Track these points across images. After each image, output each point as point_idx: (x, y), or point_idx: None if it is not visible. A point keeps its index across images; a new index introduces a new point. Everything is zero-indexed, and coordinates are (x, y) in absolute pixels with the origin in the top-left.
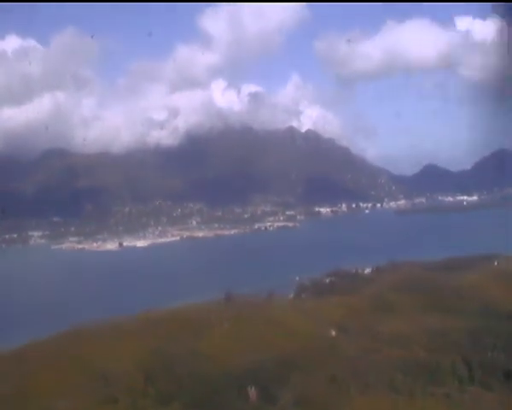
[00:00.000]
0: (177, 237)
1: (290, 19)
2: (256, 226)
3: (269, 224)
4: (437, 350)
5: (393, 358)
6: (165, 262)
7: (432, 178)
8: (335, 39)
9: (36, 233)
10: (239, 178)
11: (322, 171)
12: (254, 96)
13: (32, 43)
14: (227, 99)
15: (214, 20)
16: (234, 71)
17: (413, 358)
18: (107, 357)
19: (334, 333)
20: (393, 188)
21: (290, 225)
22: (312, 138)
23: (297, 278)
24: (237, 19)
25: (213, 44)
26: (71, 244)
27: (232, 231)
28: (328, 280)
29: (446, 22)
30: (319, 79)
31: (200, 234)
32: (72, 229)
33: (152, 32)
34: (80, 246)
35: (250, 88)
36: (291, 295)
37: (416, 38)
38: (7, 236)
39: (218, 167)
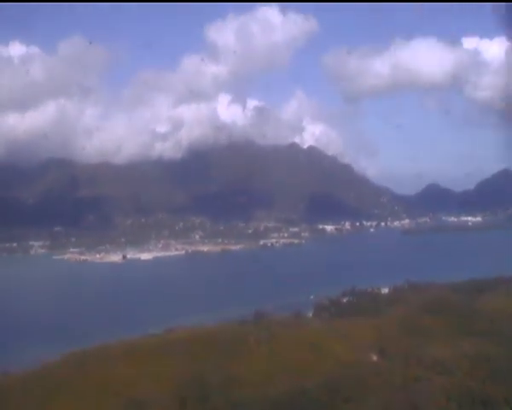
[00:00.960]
0: (182, 251)
1: (299, 32)
2: (261, 242)
3: (274, 240)
4: (484, 378)
5: (444, 387)
6: (173, 277)
7: (434, 197)
8: (343, 55)
9: (36, 243)
10: (241, 192)
11: (325, 188)
12: (259, 111)
13: (37, 50)
14: (231, 113)
15: (221, 32)
16: (239, 84)
17: (463, 387)
18: (138, 381)
19: (375, 358)
20: (396, 207)
21: (296, 241)
22: (315, 155)
23: (312, 297)
24: (245, 31)
25: (220, 57)
26: (72, 255)
27: (238, 247)
28: (345, 299)
29: (454, 41)
30: (324, 95)
31: (205, 248)
32: (73, 239)
33: (152, 42)
34: (83, 257)
35: (255, 102)
36: (310, 314)
37: (423, 56)
38: (7, 244)
39: (220, 182)
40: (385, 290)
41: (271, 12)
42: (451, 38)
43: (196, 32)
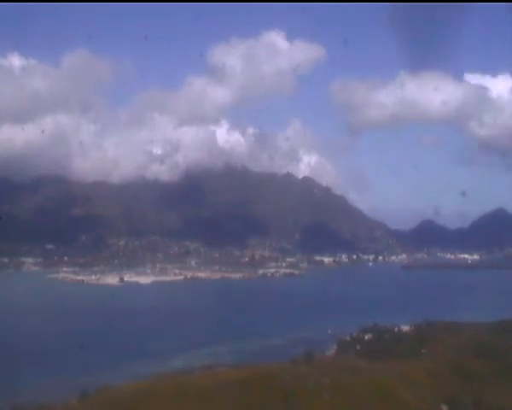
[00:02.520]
0: (181, 277)
1: (304, 60)
2: (261, 272)
3: (273, 270)
4: None
5: None
6: (178, 304)
7: (429, 233)
8: (346, 85)
9: (29, 259)
10: (236, 219)
11: (319, 219)
12: (257, 138)
13: (39, 62)
14: (230, 138)
15: (225, 56)
16: (240, 109)
17: None
18: None
19: (445, 408)
20: (390, 241)
21: (296, 272)
22: (309, 186)
23: (329, 332)
24: (249, 56)
25: (221, 80)
26: (67, 275)
27: (237, 275)
28: (367, 337)
29: (458, 77)
30: (322, 125)
31: (203, 275)
32: (66, 258)
33: (147, 36)
34: (78, 277)
35: (254, 129)
36: (332, 351)
37: (427, 91)
38: None
39: (215, 207)
40: (405, 328)
41: (277, 38)
42: (456, 74)
43: (200, 55)
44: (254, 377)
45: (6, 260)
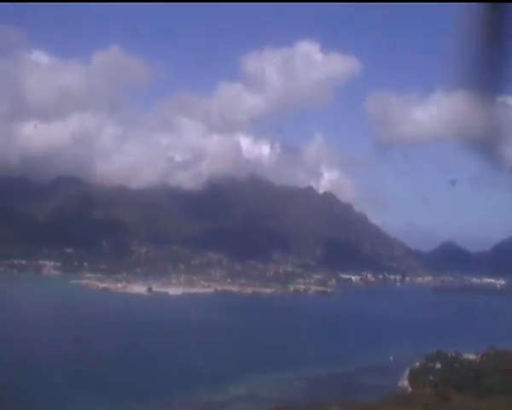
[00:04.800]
0: (210, 289)
1: (337, 73)
2: (291, 288)
3: (302, 286)
4: None
5: None
6: (222, 319)
7: (450, 256)
8: (377, 100)
9: (48, 263)
10: (257, 231)
11: (341, 235)
12: (282, 150)
13: (71, 59)
14: (255, 149)
15: (257, 65)
16: (268, 120)
17: None
18: None
19: None
20: (412, 262)
21: (328, 290)
22: (330, 201)
23: (391, 358)
24: (282, 66)
25: (251, 90)
26: (90, 281)
27: (268, 290)
28: (438, 366)
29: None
30: (349, 140)
31: (233, 288)
32: (86, 263)
33: (186, 66)
34: (103, 285)
35: (280, 140)
36: (405, 382)
37: (460, 109)
38: (16, 261)
39: (237, 218)
40: (470, 356)
41: (312, 49)
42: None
43: (232, 62)
44: None
45: (24, 262)
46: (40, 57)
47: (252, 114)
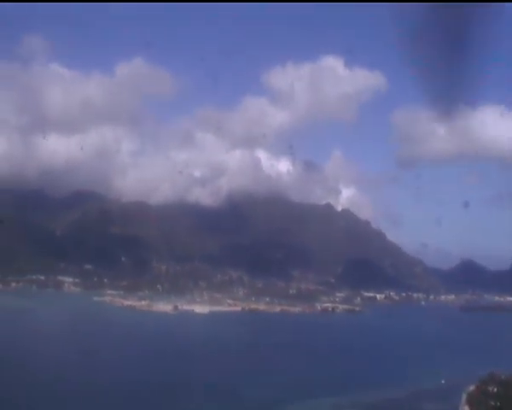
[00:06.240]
0: (237, 308)
1: (361, 88)
2: (318, 307)
3: (329, 305)
4: None
5: None
6: (260, 340)
7: (469, 274)
8: (399, 116)
9: (67, 279)
10: (277, 248)
11: (361, 253)
12: (302, 166)
13: (94, 71)
14: (275, 165)
15: (280, 79)
16: (289, 136)
17: None
18: None
19: None
20: (433, 280)
21: (356, 309)
22: (348, 218)
23: (443, 382)
24: (305, 81)
25: (274, 105)
26: (113, 298)
27: (296, 309)
28: (494, 389)
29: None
30: (370, 156)
31: (260, 307)
32: (106, 280)
33: (209, 81)
34: (127, 302)
35: (301, 156)
36: (465, 409)
37: (485, 126)
38: (34, 276)
39: (256, 235)
40: None
41: (336, 63)
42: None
43: (254, 77)
44: None
45: (43, 277)
46: (62, 70)
47: (273, 130)
